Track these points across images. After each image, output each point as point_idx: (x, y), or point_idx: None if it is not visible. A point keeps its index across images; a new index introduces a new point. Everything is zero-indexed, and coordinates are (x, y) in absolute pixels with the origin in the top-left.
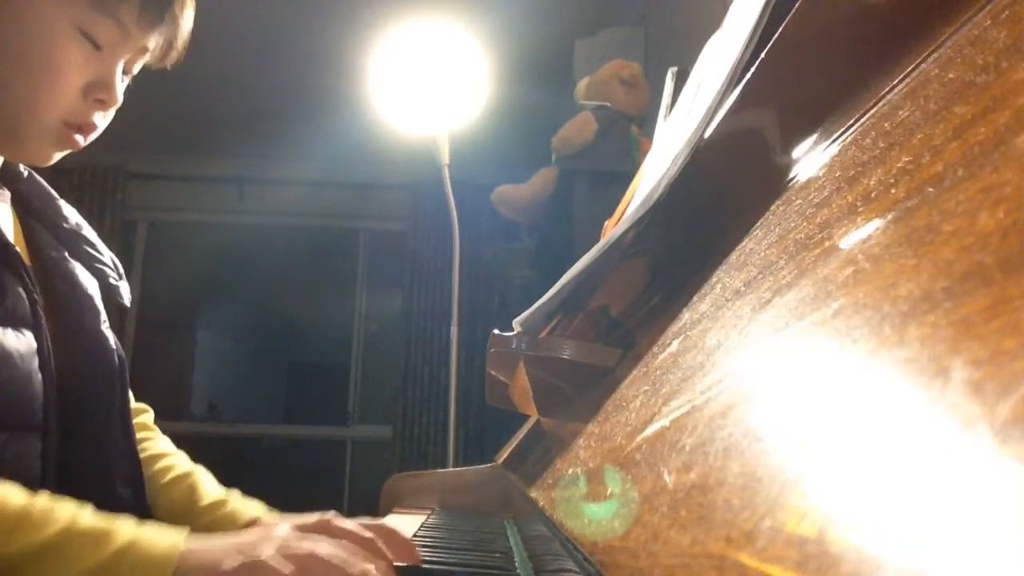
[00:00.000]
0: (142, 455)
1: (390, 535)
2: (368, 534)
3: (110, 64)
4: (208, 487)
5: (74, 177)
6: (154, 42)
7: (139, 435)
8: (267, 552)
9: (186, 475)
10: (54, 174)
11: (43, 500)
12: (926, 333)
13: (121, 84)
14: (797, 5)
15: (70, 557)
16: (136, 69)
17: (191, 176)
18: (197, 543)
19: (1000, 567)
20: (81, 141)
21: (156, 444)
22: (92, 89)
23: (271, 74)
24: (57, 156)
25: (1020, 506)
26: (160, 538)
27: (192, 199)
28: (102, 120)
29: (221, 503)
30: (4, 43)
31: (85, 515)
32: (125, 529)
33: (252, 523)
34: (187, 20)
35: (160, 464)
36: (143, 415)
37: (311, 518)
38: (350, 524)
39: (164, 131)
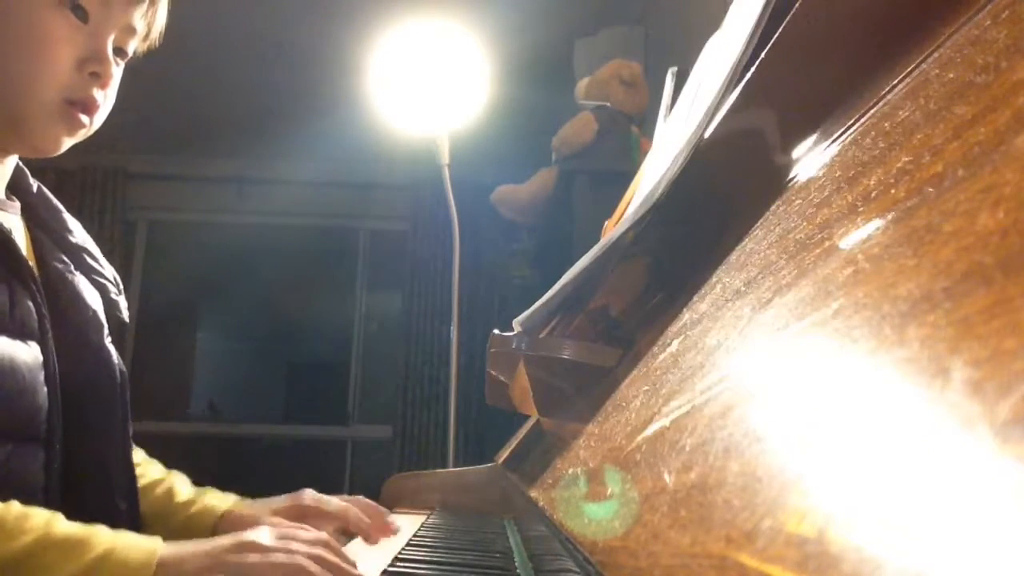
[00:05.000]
0: None
1: (368, 507)
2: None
3: (99, 37)
4: (183, 488)
5: (75, 177)
6: (139, 21)
7: None
8: (248, 559)
9: (162, 479)
10: (55, 175)
11: (16, 508)
12: (926, 333)
13: (116, 65)
14: (797, 5)
15: (46, 566)
16: (130, 51)
17: (191, 176)
18: (174, 549)
19: (1000, 567)
20: (85, 120)
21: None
22: (85, 63)
23: (271, 74)
24: (66, 141)
25: (1020, 506)
26: (137, 545)
27: (192, 199)
28: (102, 98)
29: (197, 499)
30: None
31: (60, 523)
32: (101, 537)
33: (227, 514)
34: (164, 2)
35: (136, 471)
36: None
37: (280, 500)
38: (328, 501)
39: (164, 131)
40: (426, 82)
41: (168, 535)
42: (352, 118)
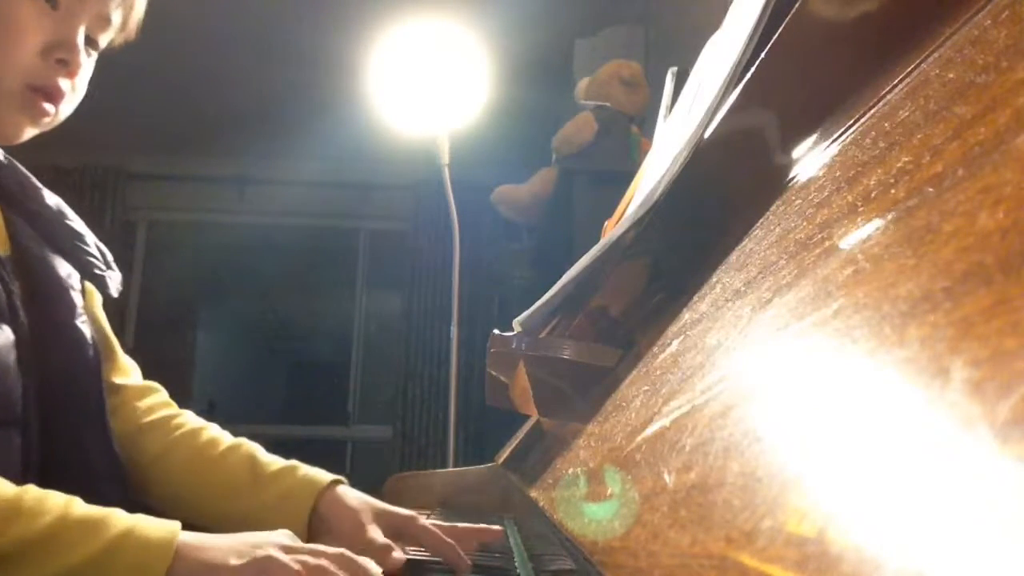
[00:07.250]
0: (179, 431)
1: (476, 532)
2: (448, 541)
3: (69, 24)
4: (267, 455)
5: (74, 177)
6: (115, 11)
7: (164, 412)
8: (274, 552)
9: (238, 445)
10: (54, 174)
11: (34, 490)
12: (926, 333)
13: (87, 55)
14: (797, 5)
15: (65, 546)
16: (102, 42)
17: (191, 176)
18: (196, 537)
19: (1000, 567)
20: (50, 109)
21: (188, 417)
22: (52, 49)
23: (271, 74)
24: (30, 130)
25: (1020, 506)
26: (157, 526)
27: (192, 199)
28: (69, 88)
29: (293, 468)
30: None
31: (78, 504)
32: (120, 518)
33: (332, 486)
34: None
35: (204, 437)
36: (156, 394)
37: (399, 511)
38: (432, 536)
39: (164, 131)
40: (426, 82)
41: (259, 508)
42: (352, 118)
